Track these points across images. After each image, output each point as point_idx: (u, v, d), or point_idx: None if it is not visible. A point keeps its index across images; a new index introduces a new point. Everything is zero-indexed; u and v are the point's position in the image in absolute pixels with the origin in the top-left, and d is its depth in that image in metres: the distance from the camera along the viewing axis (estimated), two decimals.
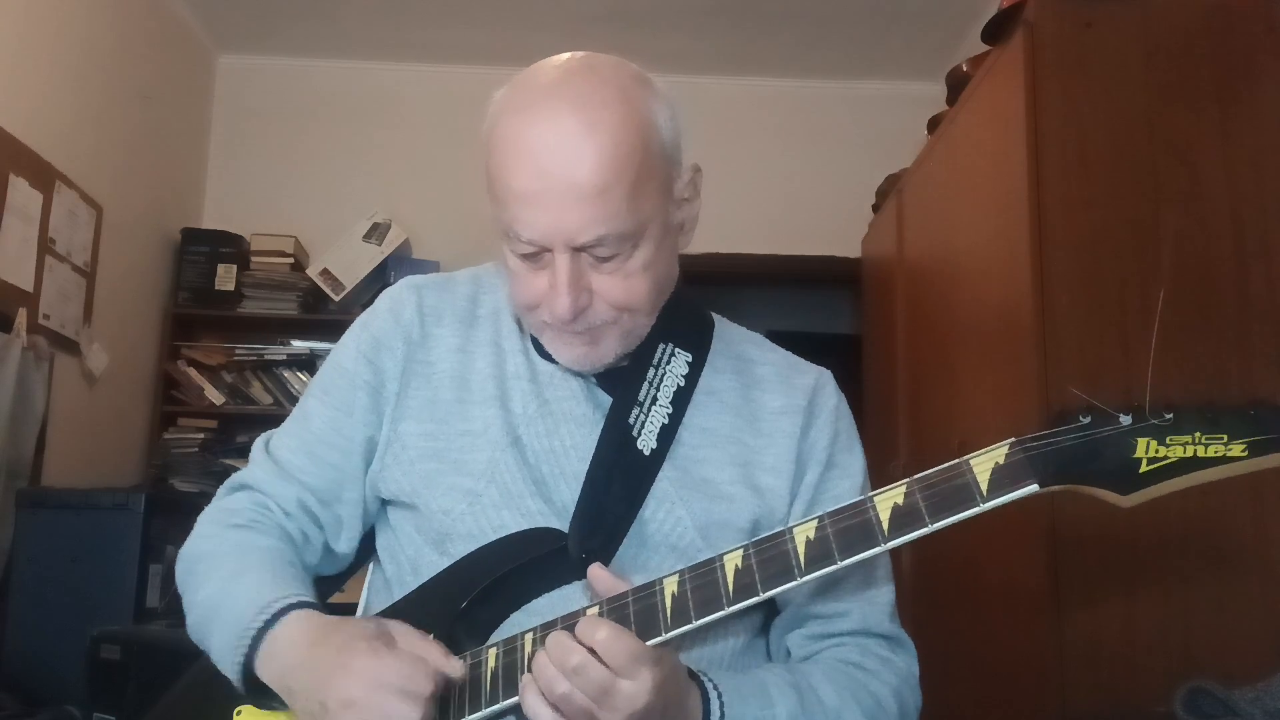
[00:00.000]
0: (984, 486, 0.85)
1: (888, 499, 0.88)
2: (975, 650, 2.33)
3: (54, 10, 3.11)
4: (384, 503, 1.11)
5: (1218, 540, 1.88)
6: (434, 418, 1.07)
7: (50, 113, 3.08)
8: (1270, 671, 1.54)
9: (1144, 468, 0.84)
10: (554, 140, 0.92)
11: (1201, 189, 2.01)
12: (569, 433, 1.04)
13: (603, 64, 0.99)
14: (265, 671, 0.94)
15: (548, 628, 0.92)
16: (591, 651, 0.84)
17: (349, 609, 1.18)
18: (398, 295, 1.14)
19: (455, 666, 0.90)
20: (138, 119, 3.66)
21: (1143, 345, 1.92)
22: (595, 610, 0.92)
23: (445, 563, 1.02)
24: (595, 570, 0.94)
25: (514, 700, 0.90)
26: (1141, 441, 0.84)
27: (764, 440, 1.08)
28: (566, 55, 1.00)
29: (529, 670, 0.89)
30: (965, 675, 2.34)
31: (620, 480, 1.01)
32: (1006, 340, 2.17)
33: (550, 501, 1.02)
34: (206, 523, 1.10)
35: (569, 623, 0.91)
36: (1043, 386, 1.96)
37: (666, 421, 1.05)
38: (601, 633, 0.84)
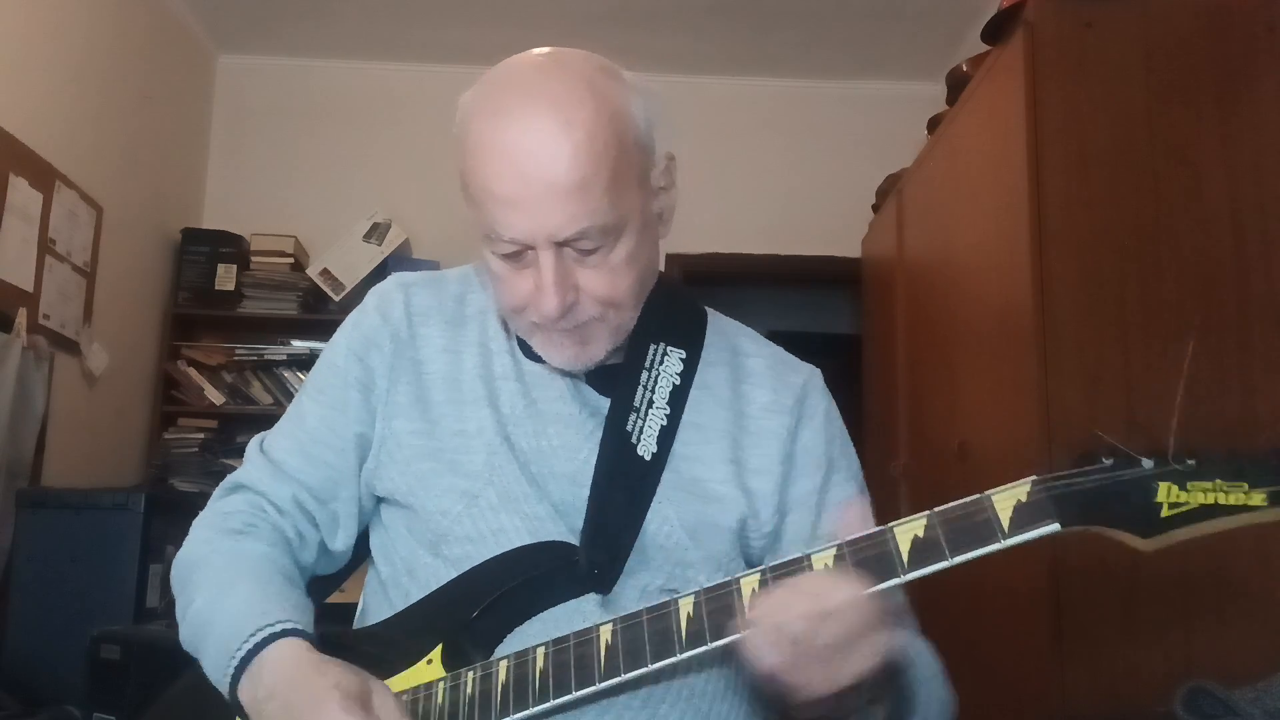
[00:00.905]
0: (1005, 524, 0.85)
1: (908, 531, 0.86)
2: (976, 652, 2.33)
3: (54, 10, 3.11)
4: (379, 501, 1.11)
5: (1217, 542, 1.88)
6: (426, 417, 1.06)
7: (50, 113, 3.08)
8: (1270, 671, 1.54)
9: (1165, 512, 0.83)
10: (529, 142, 0.92)
11: (1202, 189, 2.01)
12: (557, 432, 1.04)
13: (571, 59, 0.98)
14: (244, 695, 0.93)
15: (560, 642, 0.91)
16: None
17: (349, 609, 1.18)
18: (386, 294, 1.13)
19: None
20: (138, 119, 3.66)
21: (1142, 345, 1.93)
22: (609, 627, 0.90)
23: (440, 564, 1.02)
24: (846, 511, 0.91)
25: (525, 714, 0.90)
26: (1163, 486, 0.83)
27: (751, 438, 1.07)
28: (534, 52, 0.99)
29: (543, 696, 0.89)
30: (965, 675, 2.34)
31: (623, 489, 1.01)
32: (1006, 340, 2.17)
33: (545, 503, 1.01)
34: (201, 527, 1.09)
35: (581, 638, 0.90)
36: (1042, 386, 1.96)
37: (665, 423, 1.04)
38: (857, 589, 0.82)
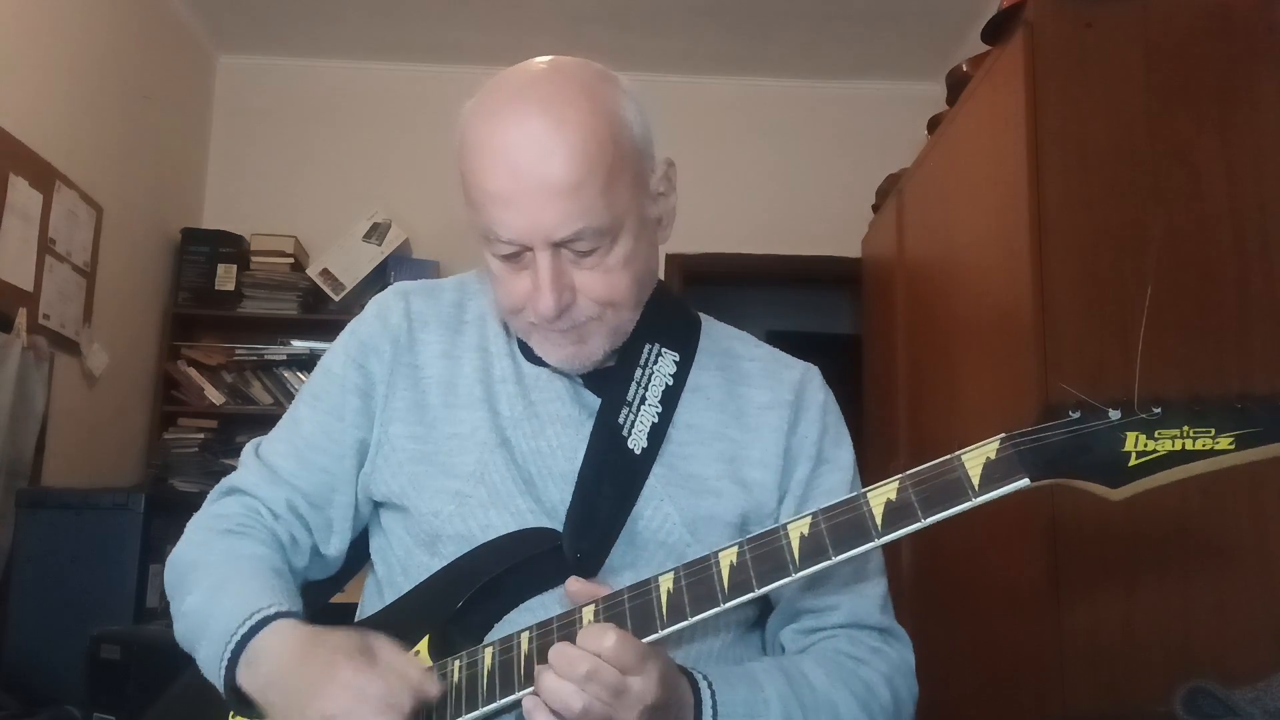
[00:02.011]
0: (975, 481, 0.86)
1: (880, 495, 0.88)
2: (975, 649, 2.33)
3: (54, 10, 3.11)
4: (377, 506, 1.12)
5: (1217, 539, 1.88)
6: (422, 421, 1.07)
7: (50, 113, 3.08)
8: (1270, 671, 1.54)
9: (1133, 461, 0.84)
10: (524, 140, 0.93)
11: (1201, 189, 2.01)
12: (555, 434, 1.05)
13: (567, 64, 1.00)
14: (247, 682, 0.94)
15: (543, 626, 0.93)
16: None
17: (349, 609, 1.19)
18: (385, 301, 1.15)
19: (434, 685, 0.90)
20: (138, 119, 3.66)
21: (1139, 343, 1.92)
22: (591, 608, 0.92)
23: (435, 563, 1.03)
24: (573, 584, 0.95)
25: (511, 698, 0.91)
26: (1130, 435, 0.85)
27: (751, 435, 1.08)
28: (533, 60, 1.02)
29: (529, 681, 0.89)
30: (965, 674, 2.34)
31: (611, 480, 1.02)
32: (1006, 340, 2.17)
33: (539, 501, 1.02)
34: (195, 528, 1.11)
35: (564, 621, 0.91)
36: (1042, 386, 1.96)
37: (656, 420, 1.06)
38: (609, 639, 0.85)
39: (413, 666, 0.90)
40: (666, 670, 0.88)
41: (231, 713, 0.99)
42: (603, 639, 0.85)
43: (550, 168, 0.92)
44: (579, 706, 0.84)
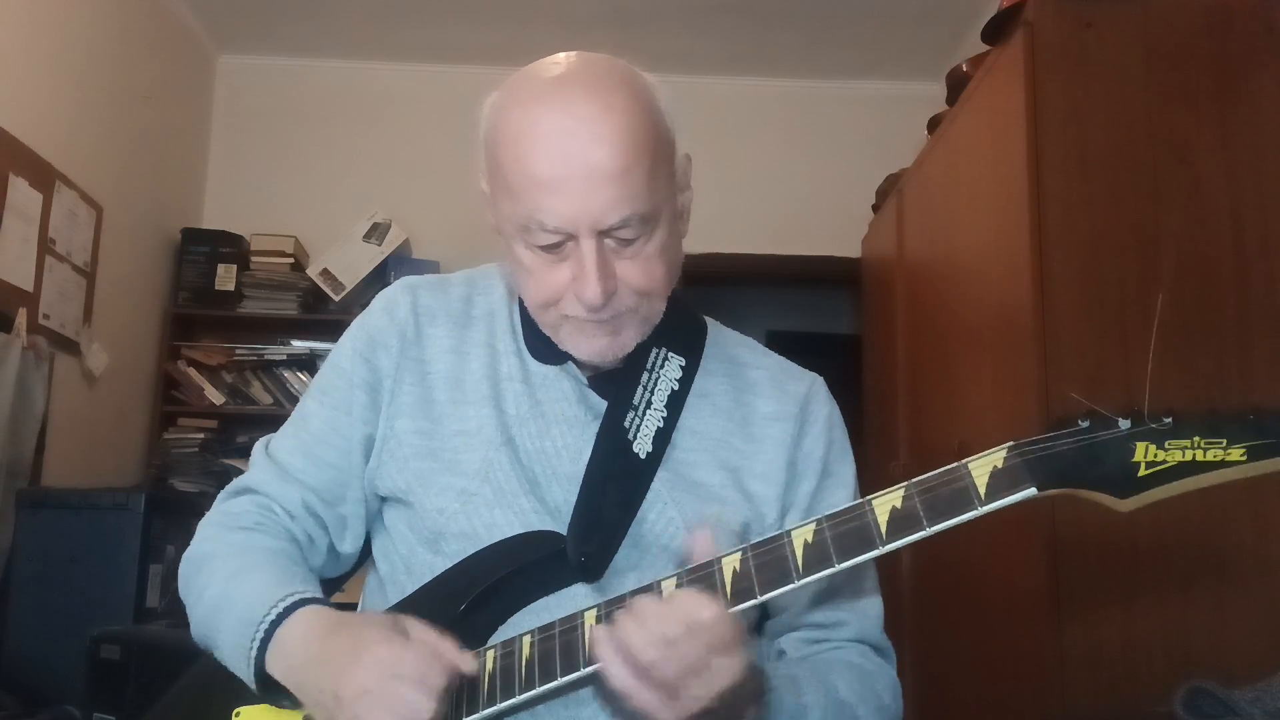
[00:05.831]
0: (982, 490, 0.85)
1: (885, 502, 0.87)
2: (976, 652, 2.33)
3: (54, 10, 3.11)
4: (381, 502, 1.11)
5: (1217, 541, 1.88)
6: (428, 416, 1.07)
7: (50, 113, 3.08)
8: (1270, 671, 1.54)
9: (1142, 471, 0.83)
10: (572, 125, 0.92)
11: (1201, 189, 2.01)
12: (560, 434, 1.05)
13: (596, 56, 1.01)
14: (276, 667, 0.94)
15: (545, 630, 0.93)
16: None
17: (349, 609, 1.19)
18: (392, 295, 1.14)
19: (468, 661, 0.90)
20: (138, 119, 3.66)
21: (1142, 346, 1.92)
22: (593, 612, 0.91)
23: (439, 561, 1.03)
24: (698, 538, 0.92)
25: (512, 702, 0.91)
26: (1140, 445, 0.83)
27: (754, 446, 1.08)
28: (556, 55, 1.01)
29: (529, 684, 0.89)
30: (966, 677, 2.34)
31: (616, 484, 1.02)
32: (1006, 340, 2.17)
33: (543, 501, 1.02)
34: (210, 526, 1.10)
35: (566, 625, 0.91)
36: (1042, 386, 1.96)
37: (661, 425, 1.05)
38: (708, 612, 0.83)
39: (446, 643, 0.89)
40: (752, 660, 0.87)
41: (235, 713, 0.99)
42: (700, 610, 0.83)
43: (600, 152, 0.91)
44: (649, 658, 0.81)
